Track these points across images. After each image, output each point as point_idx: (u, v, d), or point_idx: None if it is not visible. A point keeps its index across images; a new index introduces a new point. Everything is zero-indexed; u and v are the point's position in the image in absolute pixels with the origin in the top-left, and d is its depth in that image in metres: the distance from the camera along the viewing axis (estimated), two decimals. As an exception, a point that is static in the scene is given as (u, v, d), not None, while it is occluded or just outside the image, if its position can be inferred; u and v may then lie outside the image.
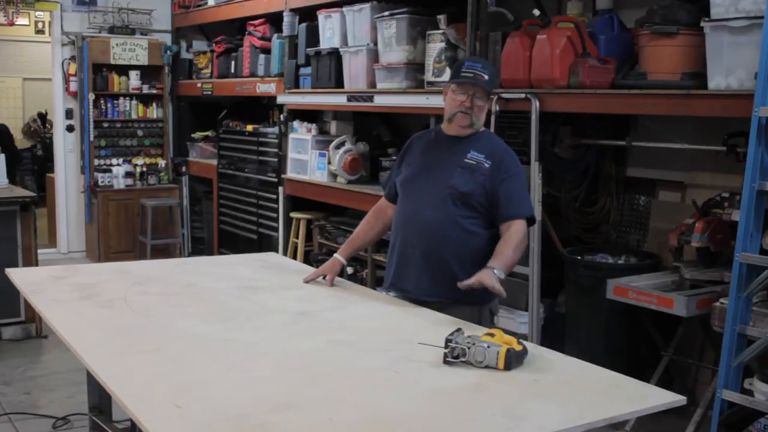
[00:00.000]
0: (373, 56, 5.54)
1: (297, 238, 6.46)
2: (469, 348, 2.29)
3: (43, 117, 12.18)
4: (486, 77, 3.00)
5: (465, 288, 2.80)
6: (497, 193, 2.99)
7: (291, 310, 2.92)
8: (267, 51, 6.94)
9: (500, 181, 3.00)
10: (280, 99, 6.61)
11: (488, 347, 2.28)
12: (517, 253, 2.93)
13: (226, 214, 7.67)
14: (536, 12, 4.50)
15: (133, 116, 8.47)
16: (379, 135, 6.47)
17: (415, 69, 5.25)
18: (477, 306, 3.02)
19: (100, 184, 8.20)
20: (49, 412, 4.38)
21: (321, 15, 6.07)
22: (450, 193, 3.00)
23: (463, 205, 3.00)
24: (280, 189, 6.63)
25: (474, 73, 2.99)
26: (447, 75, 4.92)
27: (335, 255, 3.36)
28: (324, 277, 3.30)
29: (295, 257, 6.28)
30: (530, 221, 3.04)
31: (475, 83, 2.99)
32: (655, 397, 2.17)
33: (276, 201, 6.73)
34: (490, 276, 2.79)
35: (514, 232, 2.95)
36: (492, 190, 2.99)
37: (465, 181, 3.00)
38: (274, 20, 6.86)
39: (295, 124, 6.52)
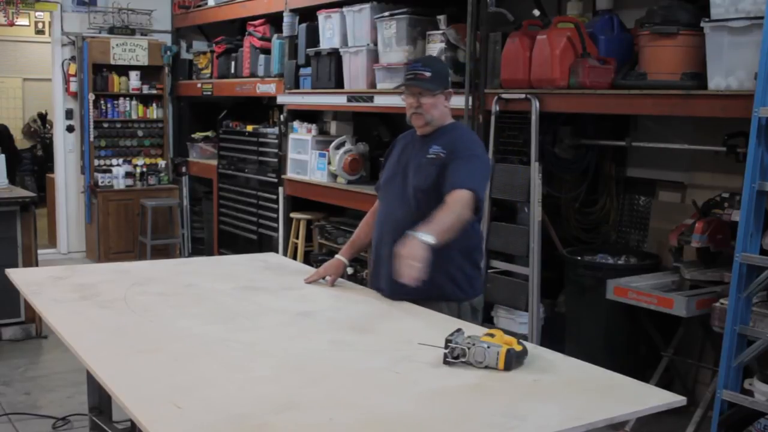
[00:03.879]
0: (373, 56, 5.54)
1: (297, 238, 6.46)
2: (469, 348, 2.28)
3: (43, 117, 12.18)
4: (427, 74, 3.02)
5: (408, 281, 2.65)
6: (445, 173, 2.96)
7: (291, 310, 2.92)
8: (267, 51, 6.94)
9: (449, 162, 2.98)
10: (280, 99, 6.61)
11: (488, 347, 2.28)
12: (454, 215, 2.81)
13: (226, 215, 7.68)
14: (536, 12, 4.50)
15: (133, 116, 8.47)
16: (379, 135, 6.47)
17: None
18: (455, 302, 3.03)
19: (100, 184, 8.20)
20: (49, 412, 4.38)
21: (321, 15, 6.07)
22: (414, 192, 3.04)
23: (428, 202, 2.98)
24: (280, 189, 6.63)
25: (414, 74, 3.04)
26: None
27: (337, 256, 3.37)
28: (325, 278, 3.31)
29: (295, 257, 6.28)
30: (477, 200, 2.91)
31: (414, 84, 3.03)
32: (655, 397, 2.17)
33: (276, 201, 6.73)
34: (413, 248, 2.63)
35: (452, 198, 2.86)
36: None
37: (425, 177, 3.02)
38: (274, 20, 6.86)
39: (295, 124, 6.52)
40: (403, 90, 3.11)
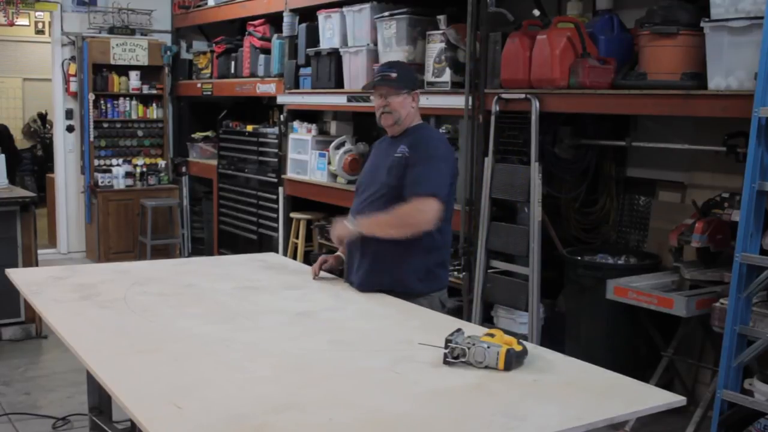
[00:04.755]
0: (373, 56, 5.53)
1: (297, 238, 6.46)
2: (469, 348, 2.29)
3: (43, 117, 12.18)
4: (393, 74, 3.19)
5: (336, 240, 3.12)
6: (406, 176, 3.11)
7: (291, 310, 2.92)
8: (267, 51, 6.94)
9: (410, 166, 3.12)
10: (280, 99, 6.61)
11: (488, 347, 2.28)
12: (394, 217, 3.04)
13: (226, 215, 7.67)
14: (536, 12, 4.50)
15: (133, 116, 8.47)
16: (379, 135, 6.46)
17: (415, 69, 5.25)
18: (425, 298, 3.15)
19: (100, 184, 8.20)
20: (49, 412, 4.38)
21: (321, 15, 6.07)
22: (381, 189, 3.19)
23: (393, 199, 3.12)
24: (280, 189, 6.63)
25: (381, 75, 3.22)
26: (447, 75, 4.92)
27: (337, 253, 3.47)
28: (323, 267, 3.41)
29: (295, 257, 6.28)
30: (440, 202, 3.07)
31: (381, 84, 3.19)
32: (655, 397, 2.17)
33: (276, 201, 6.73)
34: (339, 225, 3.13)
35: (408, 205, 3.05)
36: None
37: (392, 176, 3.16)
38: (274, 20, 6.86)
39: (295, 124, 6.52)
40: (372, 93, 3.26)
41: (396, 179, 3.14)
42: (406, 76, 3.25)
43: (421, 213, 3.03)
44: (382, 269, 3.14)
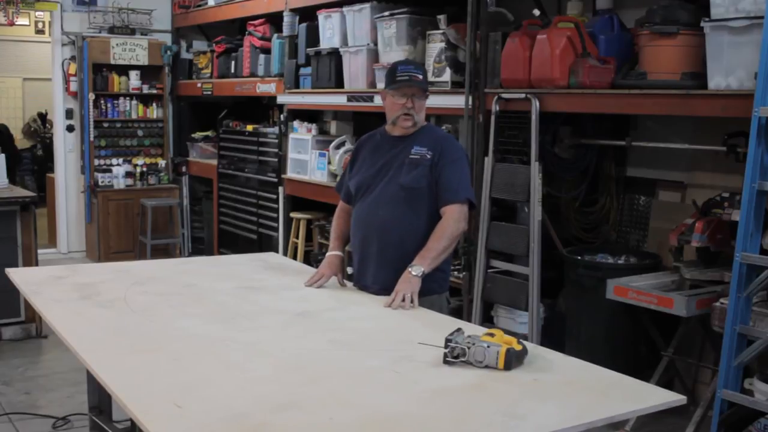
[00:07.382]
0: (373, 56, 5.54)
1: (297, 238, 6.46)
2: (469, 348, 2.29)
3: (43, 117, 12.19)
4: (420, 77, 3.14)
5: (395, 308, 2.93)
6: (438, 180, 3.12)
7: (291, 310, 2.92)
8: (267, 51, 6.94)
9: (440, 168, 3.12)
10: (280, 99, 6.62)
11: (488, 347, 2.28)
12: (445, 240, 3.05)
13: (226, 214, 7.68)
14: (536, 12, 4.50)
15: (133, 116, 8.47)
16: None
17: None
18: (436, 294, 3.14)
19: (100, 184, 8.21)
20: (49, 412, 4.38)
21: (321, 15, 6.07)
22: (399, 191, 3.14)
23: (414, 200, 3.12)
24: (280, 189, 6.63)
25: (409, 75, 3.12)
26: (447, 75, 4.92)
27: (332, 252, 3.38)
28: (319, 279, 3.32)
29: (295, 257, 6.28)
30: (471, 205, 3.16)
31: (411, 84, 3.11)
32: (655, 397, 2.17)
33: (276, 201, 6.73)
34: (408, 283, 2.95)
35: (444, 221, 3.08)
36: (435, 177, 3.12)
37: (412, 177, 3.13)
38: (274, 20, 6.87)
39: (295, 124, 6.53)
40: (391, 92, 3.16)
41: (416, 180, 3.11)
42: (426, 78, 3.25)
43: (460, 223, 3.10)
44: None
